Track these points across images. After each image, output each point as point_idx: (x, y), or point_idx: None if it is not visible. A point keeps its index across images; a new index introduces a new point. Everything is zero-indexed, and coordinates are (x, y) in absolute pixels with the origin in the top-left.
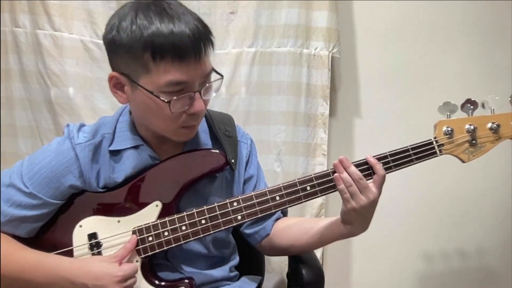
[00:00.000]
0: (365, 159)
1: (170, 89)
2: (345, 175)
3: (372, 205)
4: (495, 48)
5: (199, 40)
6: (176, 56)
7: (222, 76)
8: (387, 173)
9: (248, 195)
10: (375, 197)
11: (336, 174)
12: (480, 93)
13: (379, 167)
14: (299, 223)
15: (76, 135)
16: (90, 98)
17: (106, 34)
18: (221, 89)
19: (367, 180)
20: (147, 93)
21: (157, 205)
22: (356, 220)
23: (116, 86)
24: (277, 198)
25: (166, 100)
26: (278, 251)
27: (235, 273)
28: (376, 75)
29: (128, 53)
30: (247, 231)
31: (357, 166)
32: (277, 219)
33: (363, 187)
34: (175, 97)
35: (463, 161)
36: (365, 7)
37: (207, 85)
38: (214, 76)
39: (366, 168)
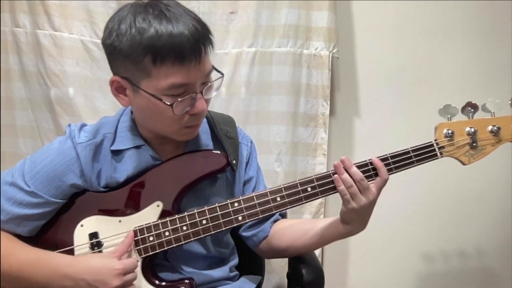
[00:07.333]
0: (366, 161)
1: (172, 91)
2: (345, 176)
3: (371, 205)
4: (495, 49)
5: (198, 41)
6: (176, 60)
7: (222, 74)
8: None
9: (249, 196)
10: (374, 198)
11: (335, 176)
12: (480, 94)
13: (384, 170)
14: (298, 224)
15: (78, 134)
16: (90, 98)
17: (105, 38)
18: (221, 89)
19: (367, 181)
20: (149, 96)
21: (158, 205)
22: (355, 219)
23: (118, 89)
24: (278, 199)
25: (168, 103)
26: (276, 253)
27: (235, 273)
28: (376, 75)
29: (128, 58)
30: (245, 233)
31: (358, 167)
32: (275, 221)
33: (364, 188)
34: (178, 100)
35: (463, 164)
36: (365, 7)
37: (208, 84)
38: (214, 74)
39: (367, 170)
